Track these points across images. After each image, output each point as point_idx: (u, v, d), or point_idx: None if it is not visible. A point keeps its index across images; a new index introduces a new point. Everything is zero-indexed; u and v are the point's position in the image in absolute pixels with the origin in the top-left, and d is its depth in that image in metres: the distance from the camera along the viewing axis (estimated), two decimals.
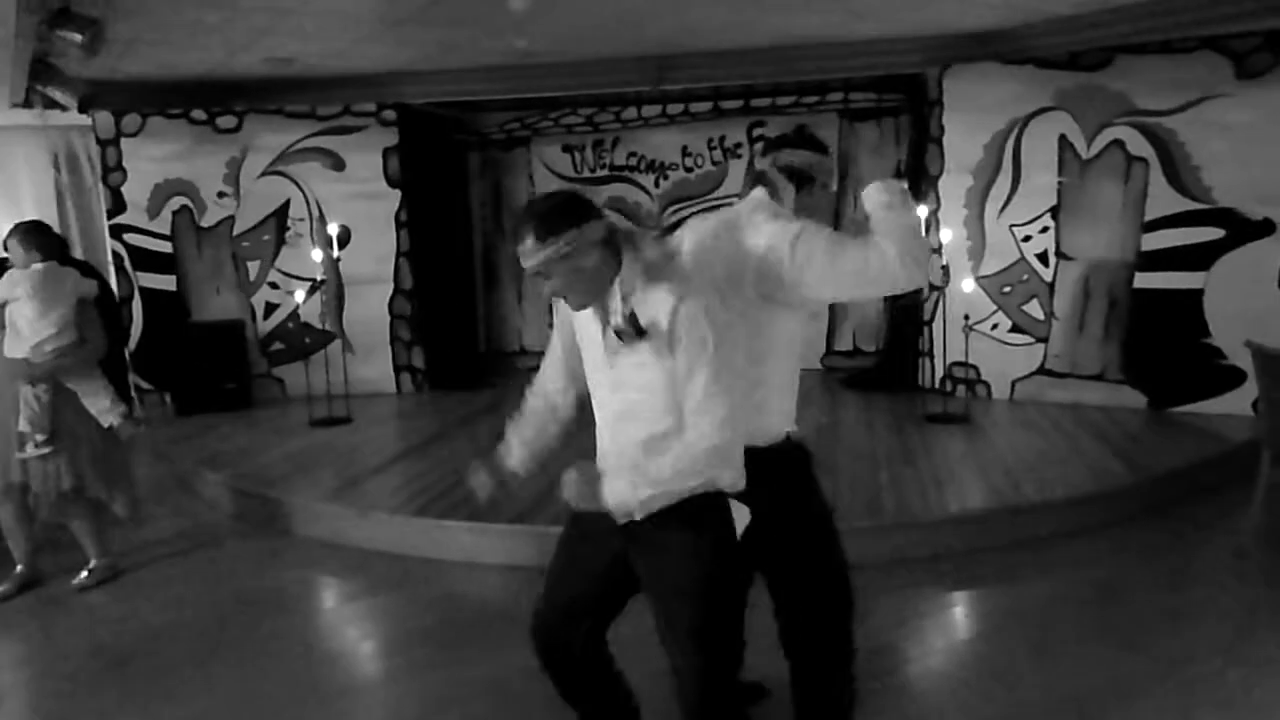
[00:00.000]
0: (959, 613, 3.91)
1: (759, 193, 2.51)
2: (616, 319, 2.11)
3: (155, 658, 3.63)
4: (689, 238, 2.43)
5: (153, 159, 7.54)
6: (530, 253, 2.08)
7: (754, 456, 2.20)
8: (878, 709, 2.92)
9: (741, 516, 2.17)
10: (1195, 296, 6.13)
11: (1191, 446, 5.46)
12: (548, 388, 2.53)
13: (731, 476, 2.14)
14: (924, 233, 2.22)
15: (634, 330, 2.09)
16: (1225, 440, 5.55)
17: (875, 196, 2.35)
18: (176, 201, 7.62)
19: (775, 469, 2.34)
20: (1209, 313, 6.11)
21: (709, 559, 2.16)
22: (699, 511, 2.12)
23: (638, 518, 2.11)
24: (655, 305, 2.08)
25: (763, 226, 2.38)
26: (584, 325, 2.26)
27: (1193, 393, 6.21)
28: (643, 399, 2.15)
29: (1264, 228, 5.91)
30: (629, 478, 2.10)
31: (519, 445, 2.54)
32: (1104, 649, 3.40)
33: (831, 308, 8.24)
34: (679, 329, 2.05)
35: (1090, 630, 3.58)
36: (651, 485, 2.07)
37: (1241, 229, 5.96)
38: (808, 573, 2.50)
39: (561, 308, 2.33)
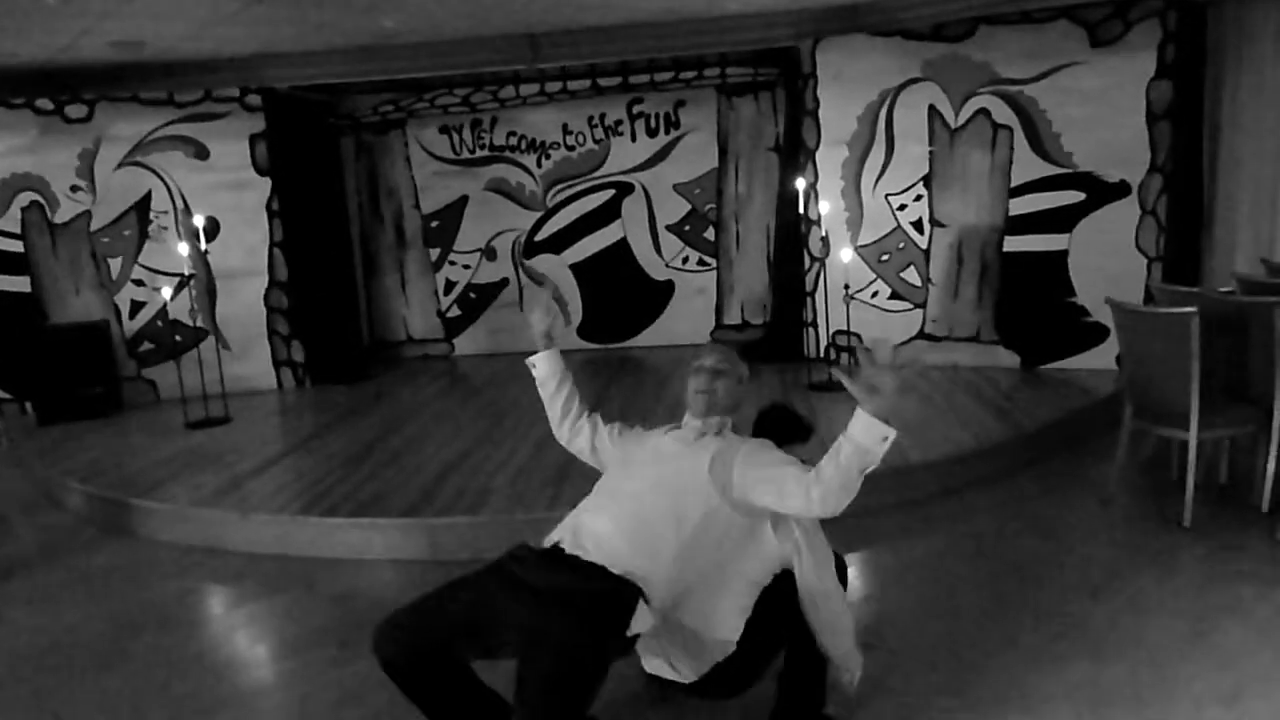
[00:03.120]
0: (851, 574, 4.00)
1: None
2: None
3: (37, 677, 3.42)
4: None
5: None
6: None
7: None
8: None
9: (643, 622, 2.30)
10: (1060, 258, 6.42)
11: (1061, 402, 5.73)
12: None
13: (661, 595, 2.35)
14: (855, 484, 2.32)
15: None
16: (1092, 394, 5.83)
17: (851, 438, 2.27)
18: (25, 197, 7.14)
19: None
20: (1073, 273, 6.40)
21: (597, 630, 2.23)
22: (614, 594, 2.28)
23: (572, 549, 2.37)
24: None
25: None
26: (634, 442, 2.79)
27: (1061, 350, 6.51)
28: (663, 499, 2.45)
29: (1120, 190, 6.21)
30: (609, 524, 2.41)
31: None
32: (983, 599, 3.54)
33: (719, 281, 8.33)
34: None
35: (971, 582, 3.72)
36: (618, 536, 2.36)
37: (1100, 192, 6.26)
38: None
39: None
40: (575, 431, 2.88)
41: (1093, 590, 3.55)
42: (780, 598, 2.61)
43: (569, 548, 2.41)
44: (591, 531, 2.42)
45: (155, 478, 5.26)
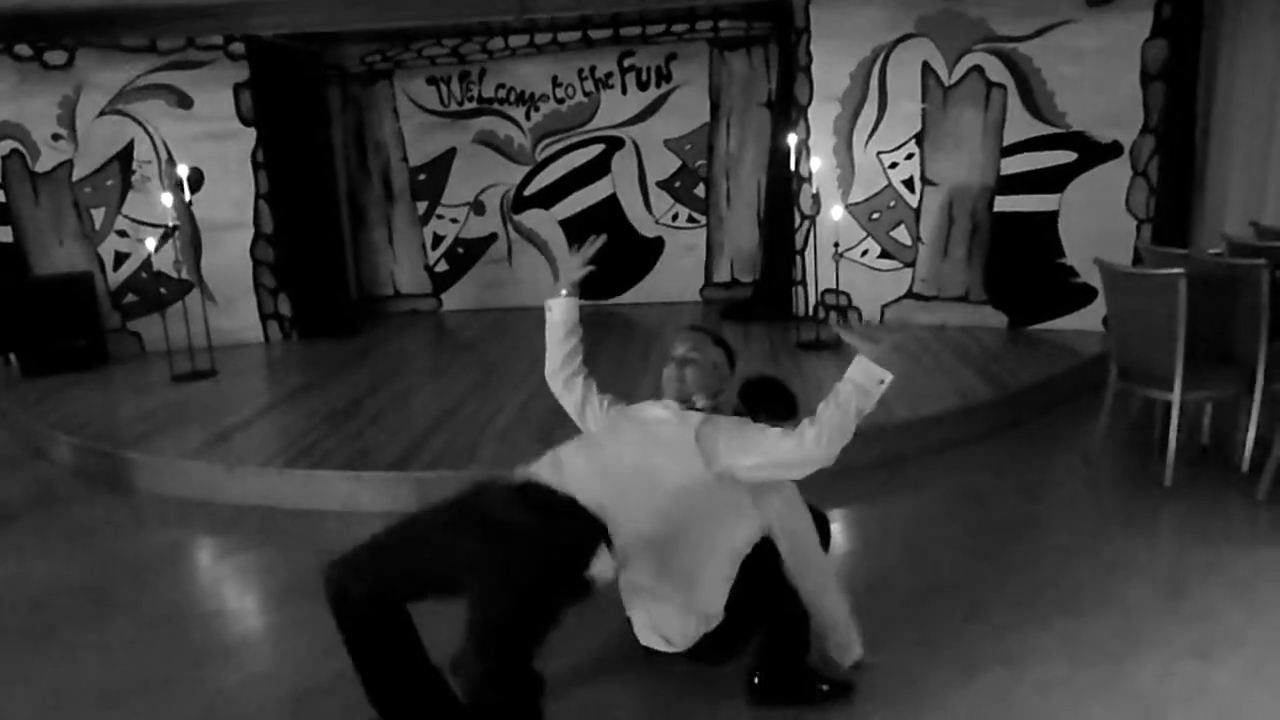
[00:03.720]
0: (835, 530, 4.04)
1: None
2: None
3: (26, 626, 3.44)
4: None
5: None
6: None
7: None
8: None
9: (604, 569, 2.31)
10: (1050, 218, 6.41)
11: (1047, 362, 5.75)
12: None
13: (628, 542, 2.34)
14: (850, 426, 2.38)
15: None
16: (1078, 355, 5.86)
17: (850, 379, 2.40)
18: (5, 145, 7.01)
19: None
20: (1063, 233, 6.39)
21: (553, 569, 2.22)
22: (575, 530, 2.29)
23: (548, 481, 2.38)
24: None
25: None
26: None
27: (1048, 311, 6.53)
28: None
29: (1112, 150, 6.18)
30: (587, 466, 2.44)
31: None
32: (964, 556, 3.58)
33: (709, 239, 8.30)
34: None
35: (952, 540, 3.76)
36: (594, 478, 2.39)
37: (1092, 152, 6.23)
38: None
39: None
40: (569, 386, 2.88)
41: (1073, 548, 3.60)
42: (763, 565, 2.63)
43: (545, 478, 2.42)
44: (571, 467, 2.44)
45: (142, 430, 5.25)
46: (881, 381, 2.36)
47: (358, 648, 2.37)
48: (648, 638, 2.72)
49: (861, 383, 2.36)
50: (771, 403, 2.81)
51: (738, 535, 2.61)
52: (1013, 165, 6.44)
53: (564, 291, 2.86)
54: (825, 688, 2.68)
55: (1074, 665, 2.81)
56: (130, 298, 7.34)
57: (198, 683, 3.00)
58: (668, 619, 2.63)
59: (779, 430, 2.44)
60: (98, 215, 7.22)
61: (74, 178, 7.13)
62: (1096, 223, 6.20)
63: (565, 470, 2.44)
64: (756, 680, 2.67)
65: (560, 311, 2.87)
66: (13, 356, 7.05)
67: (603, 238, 2.86)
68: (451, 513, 2.40)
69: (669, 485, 2.42)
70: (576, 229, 8.28)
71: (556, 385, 2.91)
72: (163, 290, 7.03)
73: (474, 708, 2.15)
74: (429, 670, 2.45)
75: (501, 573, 2.16)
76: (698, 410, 2.61)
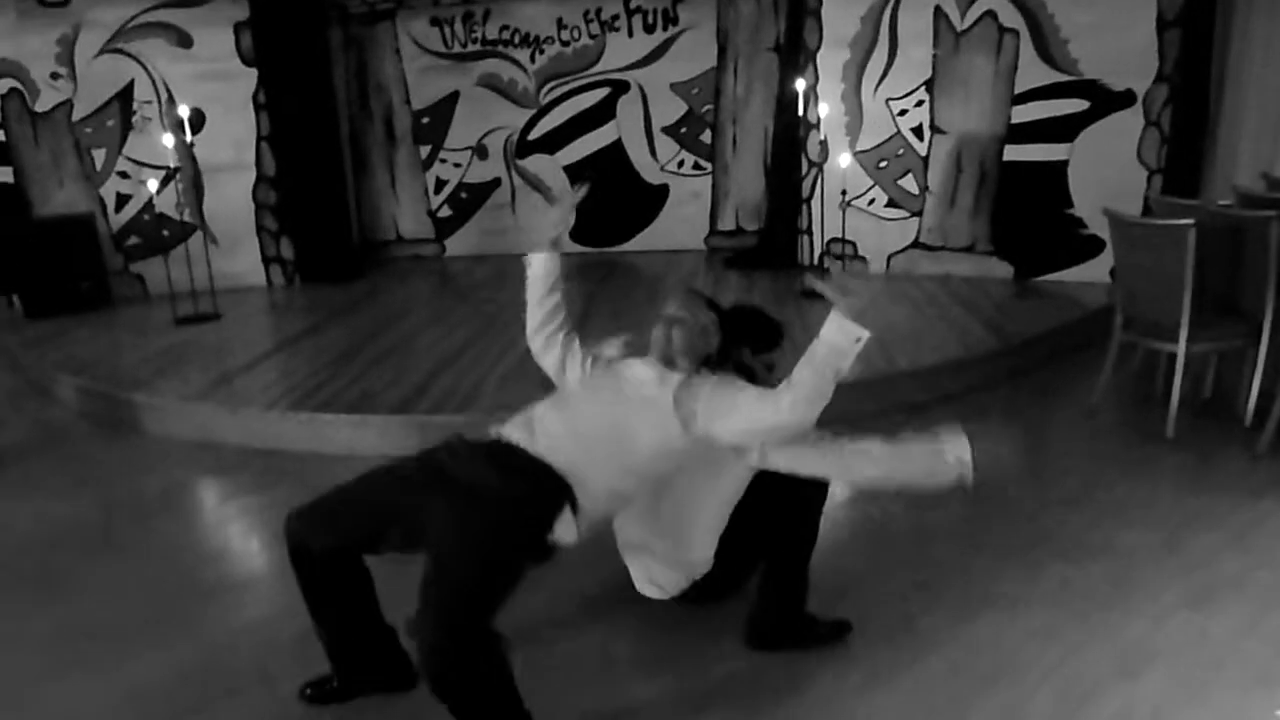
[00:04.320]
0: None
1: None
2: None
3: (33, 563, 3.48)
4: None
5: None
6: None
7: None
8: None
9: (567, 532, 2.28)
10: (1060, 168, 6.33)
11: (1052, 314, 5.72)
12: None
13: (597, 503, 2.34)
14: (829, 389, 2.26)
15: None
16: (1083, 306, 5.83)
17: (824, 339, 2.26)
18: (4, 84, 6.94)
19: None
20: (1072, 184, 6.32)
21: (515, 532, 2.21)
22: (539, 492, 2.26)
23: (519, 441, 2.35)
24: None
25: None
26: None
27: (1055, 262, 6.48)
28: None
29: (1125, 99, 6.09)
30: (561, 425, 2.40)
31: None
32: (962, 503, 3.59)
33: (714, 186, 8.22)
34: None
35: (951, 489, 3.76)
36: (567, 437, 2.35)
37: (1104, 100, 6.13)
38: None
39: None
40: (549, 345, 2.76)
41: (1072, 497, 3.62)
42: (754, 511, 2.65)
43: (516, 439, 2.38)
44: (543, 426, 2.41)
45: (146, 372, 5.26)
46: (858, 340, 2.22)
47: (315, 601, 2.38)
48: (643, 586, 2.76)
49: (837, 341, 2.22)
50: (755, 334, 2.72)
51: (725, 485, 2.63)
52: (1023, 114, 6.35)
53: (546, 247, 2.74)
54: (822, 630, 2.71)
55: (1069, 612, 2.83)
56: (133, 240, 7.31)
57: (203, 621, 3.04)
58: (660, 570, 2.67)
59: (756, 393, 2.35)
60: (99, 156, 7.15)
61: (74, 118, 7.05)
62: (1107, 173, 6.13)
63: (536, 429, 2.40)
64: (754, 623, 2.70)
65: (540, 266, 2.76)
66: (16, 298, 7.05)
67: (587, 187, 2.74)
68: (419, 470, 2.36)
69: (642, 445, 2.38)
70: (581, 175, 8.20)
71: (536, 344, 2.79)
72: (165, 232, 6.99)
73: (428, 671, 2.07)
74: (383, 630, 2.47)
75: (463, 534, 2.15)
76: (679, 372, 2.51)
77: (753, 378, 2.61)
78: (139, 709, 2.57)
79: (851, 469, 2.48)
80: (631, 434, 2.38)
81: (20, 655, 2.87)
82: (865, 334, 2.22)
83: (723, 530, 2.64)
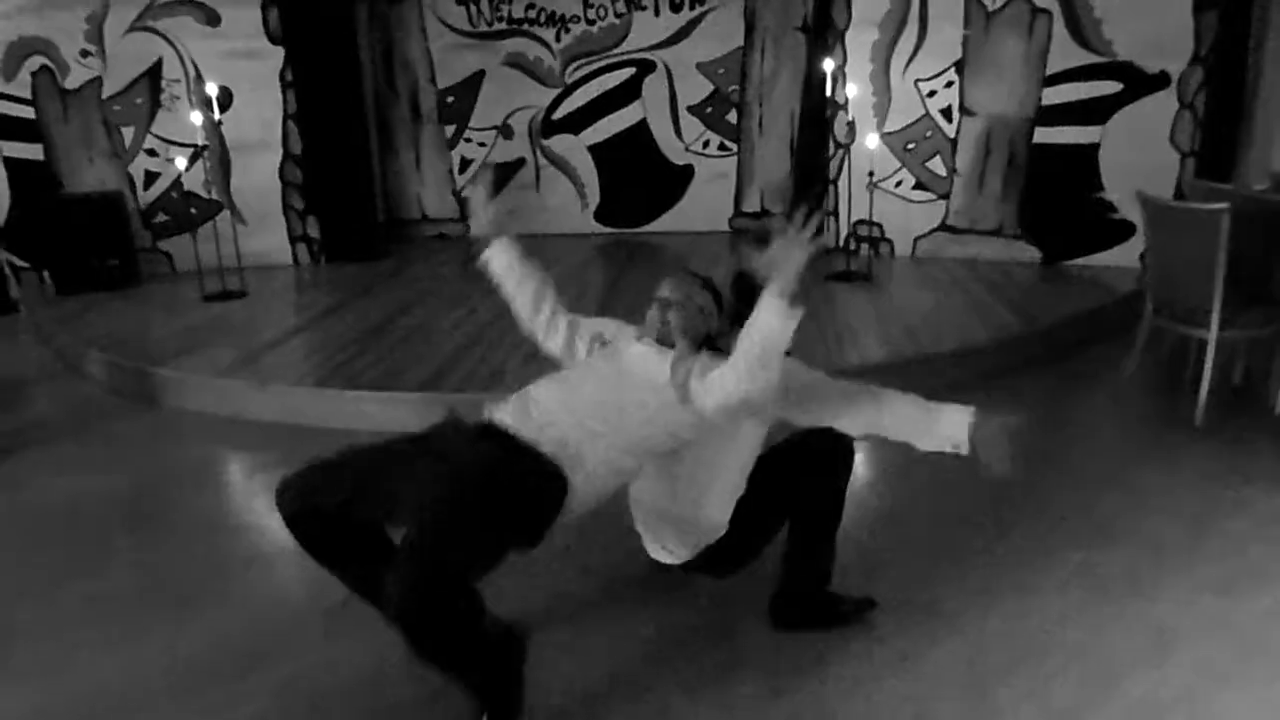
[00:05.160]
0: (857, 460, 4.05)
1: None
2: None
3: (64, 534, 3.55)
4: None
5: (2, 14, 6.86)
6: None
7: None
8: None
9: (556, 517, 2.24)
10: (1091, 151, 6.25)
11: (1080, 298, 5.67)
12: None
13: (586, 485, 2.26)
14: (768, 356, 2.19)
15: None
16: (1112, 291, 5.77)
17: (758, 316, 2.18)
18: (35, 61, 7.00)
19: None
20: (1103, 167, 6.24)
21: (499, 510, 2.14)
22: (528, 478, 2.20)
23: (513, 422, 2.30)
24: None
25: None
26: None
27: (1084, 247, 6.41)
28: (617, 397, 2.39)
29: (1159, 81, 6.00)
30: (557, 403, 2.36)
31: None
32: (987, 486, 3.56)
33: (740, 167, 8.19)
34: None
35: (975, 473, 3.75)
36: (562, 411, 2.32)
37: (1138, 83, 6.04)
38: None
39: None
40: (550, 330, 2.73)
41: (1098, 482, 3.60)
42: (772, 479, 2.65)
43: (508, 422, 2.33)
44: (542, 406, 2.37)
45: (174, 348, 5.32)
46: (790, 319, 2.11)
47: (328, 559, 2.34)
48: (655, 551, 2.76)
49: (769, 320, 2.13)
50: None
51: (742, 448, 2.62)
52: (1055, 95, 6.27)
53: (487, 232, 2.68)
54: (846, 608, 2.71)
55: (1093, 595, 2.83)
56: (161, 217, 7.37)
57: (235, 592, 3.09)
58: (672, 534, 2.67)
59: (727, 365, 2.30)
60: (127, 134, 7.21)
61: (103, 95, 7.11)
62: (1139, 156, 6.04)
63: (533, 410, 2.35)
64: (778, 602, 2.71)
65: (497, 259, 2.70)
66: (46, 274, 7.14)
67: (521, 162, 2.71)
68: (411, 447, 2.33)
69: (640, 423, 2.35)
70: (605, 155, 8.19)
71: (538, 333, 2.75)
72: (193, 210, 7.05)
73: (401, 609, 1.96)
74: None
75: (448, 503, 2.10)
76: (675, 352, 2.47)
77: None
78: (173, 678, 2.61)
79: (862, 411, 2.49)
80: (630, 412, 2.36)
81: (55, 625, 2.92)
82: (795, 317, 2.12)
83: (739, 495, 2.64)
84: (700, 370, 2.36)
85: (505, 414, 2.37)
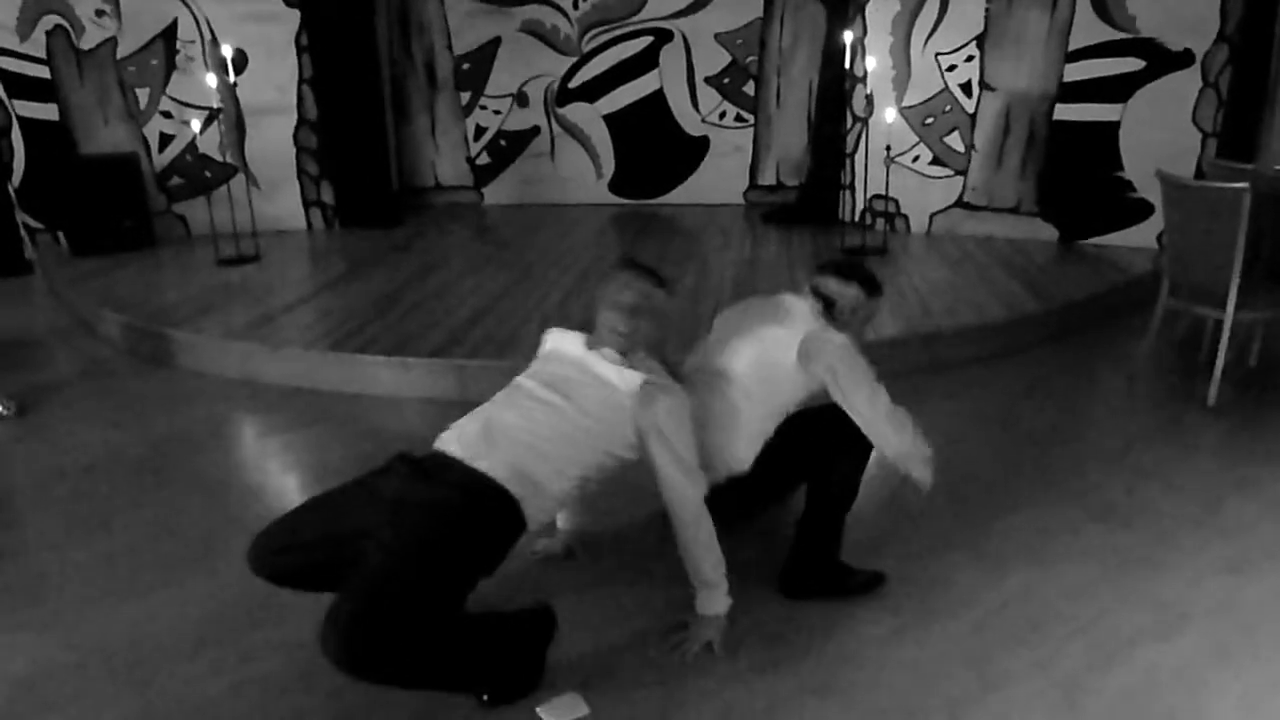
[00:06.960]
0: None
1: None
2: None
3: (79, 490, 3.58)
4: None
5: None
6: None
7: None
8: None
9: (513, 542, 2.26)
10: (1111, 129, 6.19)
11: (1096, 278, 5.64)
12: None
13: (538, 506, 2.26)
14: None
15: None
16: (1128, 271, 5.74)
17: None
18: (49, 21, 6.97)
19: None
20: (1123, 145, 6.18)
21: (450, 540, 2.11)
22: (491, 509, 2.19)
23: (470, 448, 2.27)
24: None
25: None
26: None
27: (1101, 226, 6.37)
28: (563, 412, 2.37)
29: (1183, 59, 5.92)
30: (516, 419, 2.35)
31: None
32: (1002, 462, 3.59)
33: (756, 139, 8.13)
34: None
35: (989, 448, 3.76)
36: (520, 439, 2.29)
37: (1161, 60, 5.97)
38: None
39: None
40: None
41: (1111, 459, 3.59)
42: (803, 434, 2.66)
43: (459, 452, 2.28)
44: (490, 429, 2.32)
45: (189, 311, 5.34)
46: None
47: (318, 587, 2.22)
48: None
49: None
50: (865, 279, 2.76)
51: (781, 396, 2.65)
52: (1076, 72, 6.20)
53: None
54: (857, 580, 2.72)
55: (1104, 570, 2.83)
56: (175, 180, 7.37)
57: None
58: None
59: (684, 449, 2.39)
60: (142, 95, 7.20)
61: (119, 56, 7.09)
62: (1160, 135, 5.99)
63: (482, 436, 2.30)
64: (788, 571, 2.72)
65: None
66: (62, 235, 7.16)
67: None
68: (356, 493, 2.29)
69: (599, 451, 2.35)
70: (621, 125, 8.14)
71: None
72: (207, 173, 7.05)
73: (341, 638, 1.90)
74: None
75: (399, 539, 2.06)
76: (637, 370, 2.39)
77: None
78: (184, 634, 2.64)
79: (891, 430, 2.59)
80: (589, 440, 2.33)
81: (70, 582, 2.95)
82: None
83: (767, 440, 2.65)
84: (667, 417, 2.35)
85: (454, 445, 2.31)
